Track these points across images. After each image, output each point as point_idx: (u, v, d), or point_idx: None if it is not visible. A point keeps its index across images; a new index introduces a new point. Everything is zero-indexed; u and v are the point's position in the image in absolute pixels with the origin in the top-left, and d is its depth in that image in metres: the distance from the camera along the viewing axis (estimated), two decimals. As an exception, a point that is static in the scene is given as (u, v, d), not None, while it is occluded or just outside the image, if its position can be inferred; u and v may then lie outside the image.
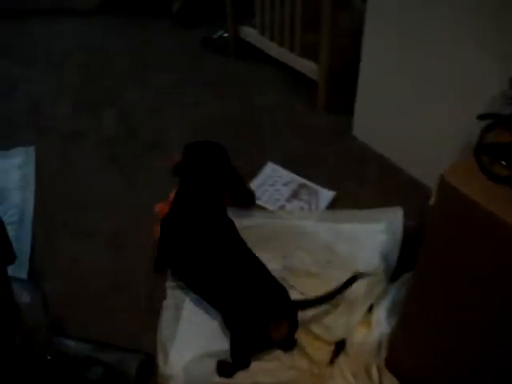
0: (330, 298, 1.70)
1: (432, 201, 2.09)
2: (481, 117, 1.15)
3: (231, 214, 1.93)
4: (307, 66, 2.40)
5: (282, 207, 2.11)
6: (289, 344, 1.64)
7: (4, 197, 2.19)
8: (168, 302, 1.84)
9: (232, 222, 1.80)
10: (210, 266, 1.64)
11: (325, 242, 1.96)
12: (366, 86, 2.19)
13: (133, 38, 2.97)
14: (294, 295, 1.78)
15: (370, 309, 1.76)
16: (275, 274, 1.85)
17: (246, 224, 1.97)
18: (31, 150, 2.38)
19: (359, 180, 2.19)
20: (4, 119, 2.52)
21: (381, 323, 1.71)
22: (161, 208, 1.94)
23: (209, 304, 1.67)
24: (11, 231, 2.06)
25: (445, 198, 1.14)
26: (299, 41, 2.37)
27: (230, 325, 1.57)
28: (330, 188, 2.15)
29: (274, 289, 1.60)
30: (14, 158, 2.34)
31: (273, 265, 1.87)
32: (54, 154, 2.37)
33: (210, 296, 1.66)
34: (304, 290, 1.82)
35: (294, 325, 1.59)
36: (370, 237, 1.96)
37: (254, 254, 1.70)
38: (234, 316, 1.57)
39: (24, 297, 1.33)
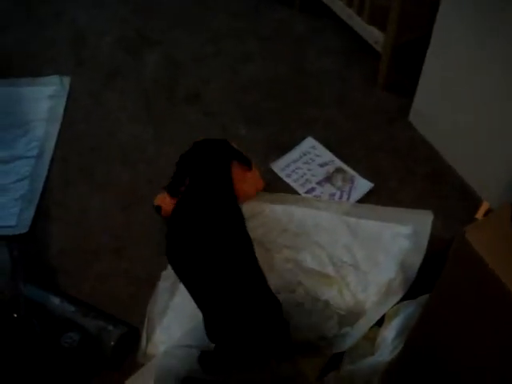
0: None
1: (479, 215, 1.87)
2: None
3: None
4: (373, 35, 2.13)
5: (312, 190, 1.92)
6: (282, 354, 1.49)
7: (28, 128, 2.10)
8: (167, 273, 1.72)
9: (241, 219, 1.62)
10: (206, 269, 1.48)
11: (345, 239, 1.77)
12: (433, 68, 1.90)
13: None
14: (300, 291, 1.66)
15: (379, 323, 1.59)
16: (286, 265, 1.72)
17: (267, 210, 1.83)
18: (66, 80, 2.26)
19: (404, 175, 1.96)
20: (47, 43, 2.40)
21: (386, 345, 1.53)
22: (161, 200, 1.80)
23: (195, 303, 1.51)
24: (28, 166, 2.01)
25: (462, 257, 0.92)
26: (369, 4, 2.09)
27: (211, 334, 1.43)
28: (370, 178, 1.94)
29: (266, 307, 1.43)
30: (47, 86, 2.24)
31: (286, 255, 1.74)
32: (87, 90, 2.24)
33: (198, 296, 1.49)
34: (311, 288, 1.66)
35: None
36: (392, 239, 1.75)
37: (258, 263, 1.51)
38: (217, 325, 1.42)
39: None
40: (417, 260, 1.66)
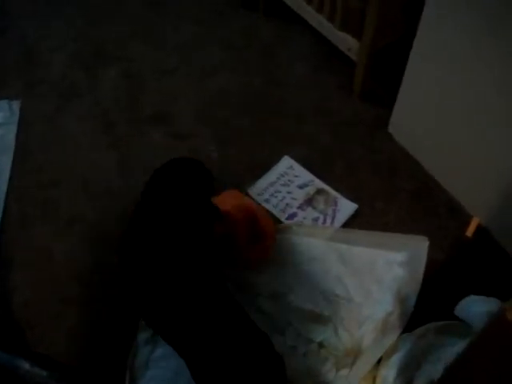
0: None
1: (469, 232, 1.79)
2: None
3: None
4: (346, 42, 2.00)
5: (293, 215, 1.80)
6: None
7: (-23, 163, 1.92)
8: (145, 322, 1.59)
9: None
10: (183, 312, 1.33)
11: (337, 269, 1.65)
12: (416, 73, 1.76)
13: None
14: (291, 333, 1.54)
15: (378, 360, 1.50)
16: (274, 303, 1.60)
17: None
18: (16, 104, 2.07)
19: (388, 193, 1.85)
20: (-9, 63, 2.20)
21: (387, 385, 1.44)
22: None
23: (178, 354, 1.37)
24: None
25: (500, 334, 0.83)
26: (341, 9, 1.96)
27: (199, 379, 1.30)
28: (353, 198, 1.83)
29: (259, 353, 1.31)
30: (-5, 113, 2.05)
31: (272, 291, 1.62)
32: (41, 114, 2.05)
33: (179, 345, 1.36)
34: (303, 329, 1.55)
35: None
36: (386, 268, 1.65)
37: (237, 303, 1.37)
38: (204, 369, 1.28)
39: None
40: (413, 290, 1.56)
